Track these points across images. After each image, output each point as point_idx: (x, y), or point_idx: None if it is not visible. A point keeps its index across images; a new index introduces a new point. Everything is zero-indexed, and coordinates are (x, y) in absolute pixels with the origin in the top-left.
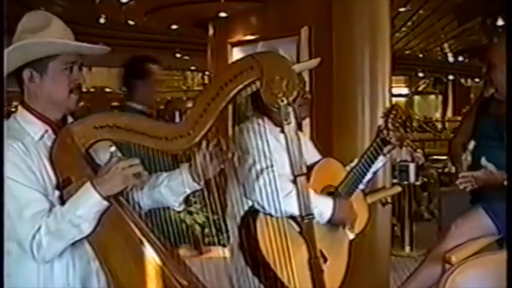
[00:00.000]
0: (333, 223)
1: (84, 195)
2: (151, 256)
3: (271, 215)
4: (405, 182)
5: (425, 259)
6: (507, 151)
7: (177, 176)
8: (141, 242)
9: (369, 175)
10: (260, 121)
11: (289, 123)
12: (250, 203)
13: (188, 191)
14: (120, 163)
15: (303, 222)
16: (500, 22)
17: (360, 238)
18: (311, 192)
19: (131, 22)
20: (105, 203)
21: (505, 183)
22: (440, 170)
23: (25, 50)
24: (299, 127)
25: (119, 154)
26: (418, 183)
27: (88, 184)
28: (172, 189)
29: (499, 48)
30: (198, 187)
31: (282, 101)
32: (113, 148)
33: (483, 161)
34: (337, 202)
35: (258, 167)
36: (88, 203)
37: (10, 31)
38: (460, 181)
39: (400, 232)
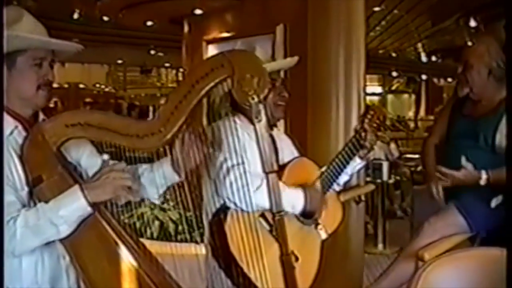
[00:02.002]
0: (307, 213)
1: (70, 196)
2: (124, 254)
3: (242, 211)
4: (378, 180)
5: (398, 257)
6: (507, 151)
7: (158, 167)
8: (114, 240)
9: (345, 177)
10: (236, 118)
11: (260, 121)
12: (222, 200)
13: (169, 183)
14: (112, 173)
15: (274, 218)
16: (472, 23)
17: (333, 235)
18: (282, 186)
19: (105, 18)
20: (89, 209)
21: (481, 182)
22: (412, 169)
23: None
24: (274, 125)
25: (111, 163)
26: (391, 181)
27: (76, 187)
28: (152, 181)
29: (476, 48)
30: (178, 179)
31: (253, 98)
32: (105, 157)
33: (463, 161)
34: (307, 192)
35: (229, 163)
36: (73, 206)
37: None
38: (438, 175)
39: (373, 230)
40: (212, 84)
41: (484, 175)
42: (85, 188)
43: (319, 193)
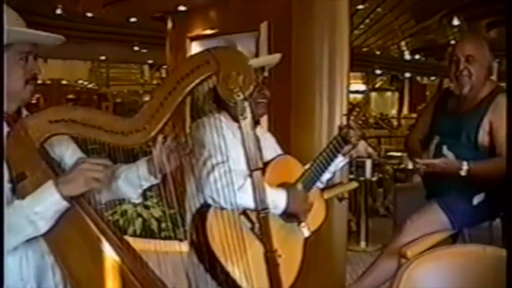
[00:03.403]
0: (288, 214)
1: (44, 192)
2: (107, 252)
3: (224, 209)
4: (362, 178)
5: (381, 254)
6: (507, 151)
7: (135, 169)
8: (98, 237)
9: (328, 174)
10: (220, 116)
11: (245, 118)
12: (204, 198)
13: (146, 184)
14: (84, 164)
15: (259, 216)
16: (455, 22)
17: (316, 233)
18: (266, 185)
19: (89, 14)
20: (65, 203)
21: (462, 173)
22: (395, 167)
23: None
24: (257, 122)
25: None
26: (374, 179)
27: (50, 182)
28: (130, 182)
29: (477, 42)
30: (155, 181)
31: (238, 96)
32: (80, 154)
33: (445, 150)
34: (290, 193)
35: (212, 161)
36: (48, 201)
37: None
38: (418, 166)
39: (356, 227)
40: (197, 81)
41: (465, 166)
42: (59, 182)
43: (302, 194)
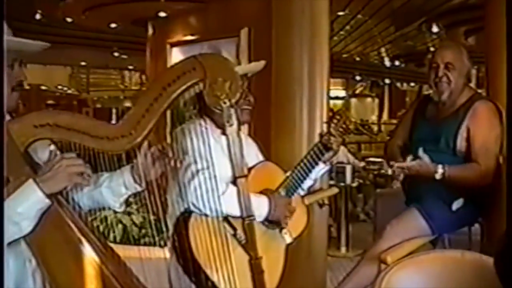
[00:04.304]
0: (270, 221)
1: (25, 192)
2: (91, 257)
3: (206, 216)
4: (342, 184)
5: (361, 260)
6: (508, 152)
7: (118, 177)
8: (81, 242)
9: (309, 182)
10: (202, 122)
11: (231, 125)
12: (186, 204)
13: (129, 192)
14: (64, 160)
15: (244, 223)
16: (434, 29)
17: (297, 238)
18: None
19: (69, 19)
20: (47, 201)
21: (437, 176)
22: (375, 172)
23: None
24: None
25: (58, 153)
26: (354, 184)
27: (30, 181)
28: (113, 190)
29: (455, 50)
30: (139, 189)
31: (225, 103)
32: (52, 147)
33: (420, 152)
34: (272, 199)
35: (194, 168)
36: (30, 201)
37: None
38: (394, 169)
39: (337, 233)
40: (183, 87)
41: (440, 169)
42: (40, 180)
43: (284, 200)
